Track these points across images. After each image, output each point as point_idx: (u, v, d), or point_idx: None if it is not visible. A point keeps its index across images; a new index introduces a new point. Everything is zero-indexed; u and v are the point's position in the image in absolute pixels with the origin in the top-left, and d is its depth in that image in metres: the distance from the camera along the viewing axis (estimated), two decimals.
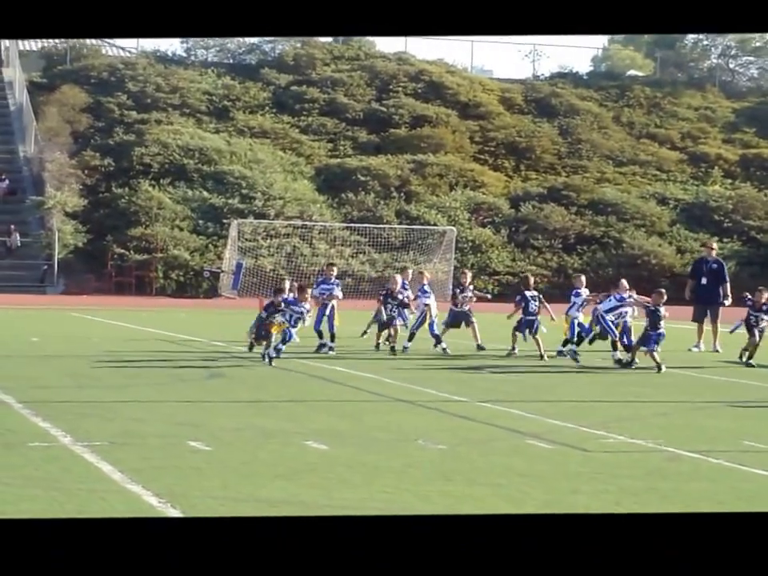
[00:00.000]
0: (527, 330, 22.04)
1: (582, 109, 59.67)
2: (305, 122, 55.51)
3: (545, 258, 49.88)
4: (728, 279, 26.35)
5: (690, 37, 67.45)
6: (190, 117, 54.35)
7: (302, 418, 13.32)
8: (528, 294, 22.50)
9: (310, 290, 21.39)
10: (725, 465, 10.85)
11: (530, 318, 22.10)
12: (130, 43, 61.66)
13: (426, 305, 23.36)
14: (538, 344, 21.80)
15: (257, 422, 12.84)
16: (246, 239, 46.22)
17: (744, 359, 21.71)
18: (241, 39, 59.10)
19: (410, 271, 25.18)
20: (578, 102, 60.34)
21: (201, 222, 47.50)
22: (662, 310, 20.33)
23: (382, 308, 22.73)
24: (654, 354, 20.03)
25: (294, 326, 19.92)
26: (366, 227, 48.32)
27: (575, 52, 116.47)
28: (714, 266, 26.49)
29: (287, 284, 22.78)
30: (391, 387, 16.89)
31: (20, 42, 55.84)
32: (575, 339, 21.94)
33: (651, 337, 20.12)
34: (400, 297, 22.77)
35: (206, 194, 48.64)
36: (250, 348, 20.68)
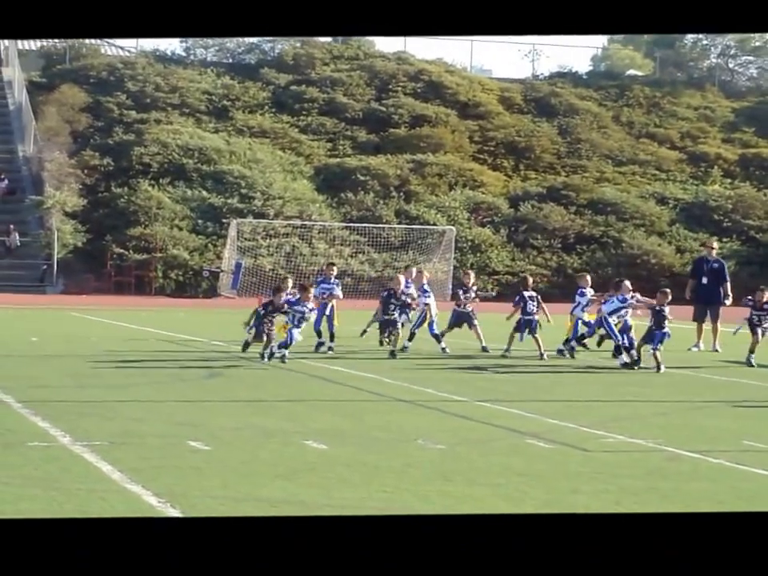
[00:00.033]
0: (526, 330, 22.05)
1: (581, 108, 59.64)
2: (304, 122, 55.49)
3: (544, 258, 49.86)
4: (728, 279, 26.35)
5: (690, 36, 67.44)
6: (189, 116, 54.33)
7: (302, 418, 13.32)
8: (526, 294, 22.51)
9: (312, 290, 21.25)
10: (725, 464, 10.85)
11: (528, 317, 22.11)
12: (129, 43, 61.73)
13: (426, 304, 23.30)
14: (537, 343, 21.79)
15: (256, 422, 12.84)
16: (246, 239, 46.20)
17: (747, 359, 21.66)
18: (240, 39, 59.07)
19: (414, 269, 25.08)
20: (578, 101, 60.32)
21: (200, 221, 47.49)
22: (667, 310, 20.33)
23: (381, 308, 22.62)
24: (657, 352, 20.03)
25: (298, 326, 19.76)
26: (365, 227, 48.30)
27: (575, 52, 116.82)
28: (715, 265, 26.45)
29: (290, 282, 22.10)
30: (391, 387, 16.89)
31: (19, 41, 55.82)
32: (576, 338, 21.95)
33: (656, 335, 20.12)
34: (404, 297, 22.40)
35: (205, 193, 48.62)
36: (244, 348, 19.99)
